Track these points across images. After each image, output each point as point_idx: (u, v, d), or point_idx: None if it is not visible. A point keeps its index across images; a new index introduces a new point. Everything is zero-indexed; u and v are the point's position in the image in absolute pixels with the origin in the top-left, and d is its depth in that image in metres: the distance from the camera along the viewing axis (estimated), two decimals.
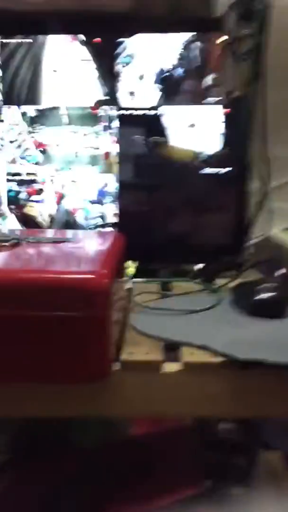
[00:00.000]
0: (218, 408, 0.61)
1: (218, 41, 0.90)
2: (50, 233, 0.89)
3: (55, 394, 0.59)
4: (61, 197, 0.97)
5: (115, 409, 0.60)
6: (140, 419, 0.93)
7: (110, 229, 0.97)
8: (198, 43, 0.92)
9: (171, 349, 0.64)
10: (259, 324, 0.70)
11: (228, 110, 0.92)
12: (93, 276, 0.56)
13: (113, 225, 0.97)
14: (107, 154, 0.95)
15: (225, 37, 0.88)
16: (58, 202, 0.97)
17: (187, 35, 0.92)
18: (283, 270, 1.12)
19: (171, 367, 0.61)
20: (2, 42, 0.93)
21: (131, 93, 0.94)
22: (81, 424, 0.86)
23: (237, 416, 0.71)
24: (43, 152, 0.96)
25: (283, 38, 0.94)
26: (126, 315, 0.73)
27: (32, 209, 0.98)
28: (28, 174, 0.97)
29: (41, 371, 0.56)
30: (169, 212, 0.97)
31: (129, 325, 0.70)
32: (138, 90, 0.94)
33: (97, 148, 0.95)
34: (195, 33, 0.91)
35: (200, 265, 0.96)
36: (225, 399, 0.61)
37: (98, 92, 0.94)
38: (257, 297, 0.74)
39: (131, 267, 0.94)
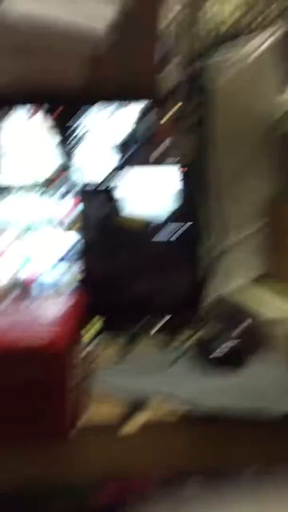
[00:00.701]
0: (182, 463, 0.62)
1: (170, 111, 0.97)
2: (8, 297, 0.90)
3: (13, 460, 0.58)
4: (23, 260, 1.00)
5: (76, 471, 0.60)
6: (108, 484, 0.91)
7: (73, 288, 0.99)
8: (151, 113, 0.99)
9: (133, 407, 0.64)
10: (220, 376, 0.71)
11: (182, 172, 0.98)
12: (49, 341, 0.57)
13: (77, 284, 0.99)
14: (67, 218, 0.99)
15: (176, 108, 0.94)
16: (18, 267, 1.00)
17: (141, 105, 0.99)
18: (242, 323, 1.15)
19: (132, 425, 0.61)
20: None
21: (89, 162, 1.00)
22: (48, 493, 0.84)
23: (202, 469, 0.71)
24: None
25: (228, 110, 1.02)
26: (88, 373, 0.73)
27: None
28: None
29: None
30: (131, 272, 1.00)
31: (92, 383, 0.70)
32: (96, 159, 1.00)
33: (59, 212, 0.99)
34: (148, 103, 0.99)
35: (162, 322, 0.98)
36: (188, 453, 0.62)
37: (56, 160, 0.99)
38: (217, 350, 0.76)
39: (95, 323, 0.95)
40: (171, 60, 0.92)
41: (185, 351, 0.81)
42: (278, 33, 1.06)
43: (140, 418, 0.62)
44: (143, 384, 0.69)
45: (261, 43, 1.05)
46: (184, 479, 0.85)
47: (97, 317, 0.94)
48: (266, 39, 1.05)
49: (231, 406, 0.60)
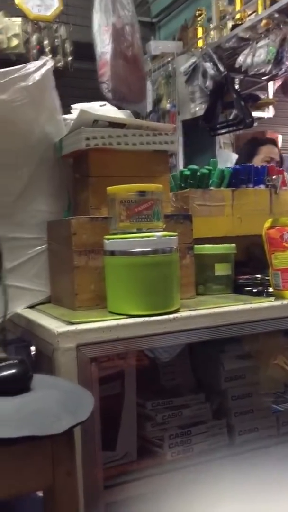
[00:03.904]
0: None
1: None
2: None
3: None
4: None
5: None
6: None
7: None
8: None
9: None
10: (0, 402, 0.70)
11: None
12: None
13: None
14: None
15: None
16: None
17: None
18: (26, 347, 1.15)
19: None
20: None
21: None
22: None
23: None
24: None
25: (1, 131, 1.03)
26: None
27: None
28: None
29: None
30: None
31: None
32: None
33: None
34: None
35: None
36: None
37: None
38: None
39: None
40: None
41: None
42: (51, 64, 1.11)
43: None
44: None
45: (37, 69, 1.09)
46: None
47: None
48: (41, 67, 1.09)
49: (13, 430, 0.59)
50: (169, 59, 3.34)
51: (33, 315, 1.05)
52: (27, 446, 0.61)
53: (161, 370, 1.17)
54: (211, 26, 3.07)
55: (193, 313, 0.98)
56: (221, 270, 1.15)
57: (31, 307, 1.12)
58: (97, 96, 2.31)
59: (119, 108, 1.31)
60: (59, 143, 1.12)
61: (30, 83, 1.06)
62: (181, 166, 3.08)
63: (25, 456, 0.61)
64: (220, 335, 1.00)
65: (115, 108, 1.27)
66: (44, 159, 1.12)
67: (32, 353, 1.15)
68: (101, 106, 1.25)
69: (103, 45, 2.76)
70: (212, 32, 3.06)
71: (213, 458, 1.07)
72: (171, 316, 0.95)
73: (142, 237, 0.94)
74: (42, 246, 1.14)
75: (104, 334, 0.90)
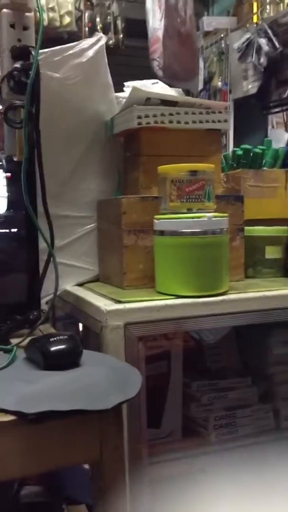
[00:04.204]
0: (13, 468, 0.60)
1: None
2: None
3: None
4: None
5: None
6: None
7: None
8: None
9: None
10: (51, 377, 0.71)
11: (8, 174, 0.96)
12: None
13: None
14: None
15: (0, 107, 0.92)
16: None
17: None
18: (74, 324, 1.17)
19: None
20: None
21: None
22: None
23: (34, 472, 0.71)
24: None
25: (55, 109, 1.03)
26: None
27: None
28: None
29: None
30: None
31: None
32: None
33: None
34: None
35: None
36: (18, 457, 0.61)
37: None
38: (49, 351, 0.76)
39: None
40: None
41: (18, 354, 0.79)
42: (104, 40, 1.10)
43: None
44: None
45: (91, 46, 1.08)
46: (21, 484, 0.84)
47: None
48: (95, 43, 1.09)
49: (63, 404, 0.61)
50: (222, 35, 3.25)
51: (82, 292, 1.06)
52: (77, 420, 0.62)
53: (207, 351, 1.16)
54: (267, 0, 2.97)
55: (241, 295, 0.97)
56: (272, 253, 1.13)
57: (80, 285, 1.14)
58: (148, 74, 2.28)
59: (170, 86, 1.29)
60: (110, 122, 1.12)
61: (84, 60, 1.06)
62: (231, 146, 3.02)
63: (74, 429, 0.63)
64: (269, 319, 0.98)
65: (167, 86, 1.25)
66: (96, 138, 1.13)
67: (79, 328, 1.18)
68: (153, 84, 1.23)
69: (155, 22, 2.72)
70: (268, 7, 2.96)
71: (257, 442, 1.06)
72: (219, 298, 0.94)
73: (193, 217, 0.93)
74: (92, 225, 1.15)
75: (152, 314, 0.90)
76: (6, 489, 0.82)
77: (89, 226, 1.14)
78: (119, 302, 0.91)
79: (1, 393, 0.65)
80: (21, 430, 0.60)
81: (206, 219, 0.93)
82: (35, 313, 0.94)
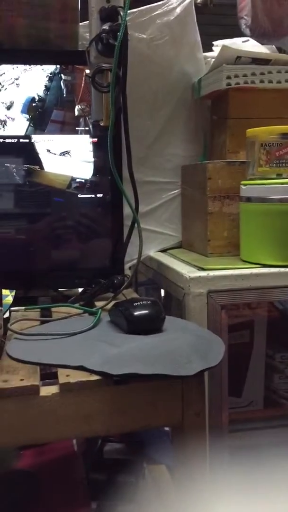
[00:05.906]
0: (97, 426, 0.62)
1: (82, 74, 0.94)
2: None
3: None
4: None
5: None
6: (26, 450, 0.91)
7: None
8: (63, 75, 0.96)
9: (48, 372, 0.64)
10: (135, 341, 0.72)
11: (95, 139, 0.96)
12: None
13: None
14: None
15: (88, 71, 0.92)
16: None
17: (52, 67, 0.95)
18: (156, 289, 1.18)
19: (47, 390, 0.61)
20: None
21: (1, 122, 0.95)
22: None
23: (118, 431, 0.73)
24: None
25: (141, 71, 1.02)
26: (2, 342, 0.72)
27: None
28: None
29: None
30: (45, 239, 0.98)
31: (4, 353, 0.69)
32: (7, 119, 0.95)
33: None
34: (59, 65, 0.95)
35: (80, 289, 0.97)
36: (103, 416, 0.62)
37: None
38: (132, 315, 0.77)
39: (8, 296, 0.93)
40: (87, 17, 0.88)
41: (103, 317, 0.81)
42: None
43: (55, 383, 0.62)
44: (57, 351, 0.68)
45: (179, 3, 1.04)
46: (104, 441, 0.87)
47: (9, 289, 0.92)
48: (183, 1, 1.05)
49: (147, 367, 0.61)
50: None
51: (164, 258, 1.06)
52: (159, 384, 0.63)
53: None
54: None
55: None
56: None
57: (163, 251, 1.14)
58: (238, 33, 2.18)
59: (261, 44, 1.22)
60: (197, 83, 1.08)
61: (172, 18, 1.02)
62: None
63: (157, 393, 0.63)
64: None
65: (258, 44, 1.18)
66: (182, 101, 1.10)
67: (162, 294, 1.18)
68: (243, 42, 1.17)
69: None
70: None
71: None
72: None
73: (282, 183, 0.89)
74: (176, 191, 1.13)
75: (237, 283, 0.88)
76: (91, 445, 0.85)
77: (173, 192, 1.13)
78: (202, 269, 0.90)
79: (87, 353, 0.67)
80: (105, 391, 0.62)
81: None
82: (119, 278, 0.95)
